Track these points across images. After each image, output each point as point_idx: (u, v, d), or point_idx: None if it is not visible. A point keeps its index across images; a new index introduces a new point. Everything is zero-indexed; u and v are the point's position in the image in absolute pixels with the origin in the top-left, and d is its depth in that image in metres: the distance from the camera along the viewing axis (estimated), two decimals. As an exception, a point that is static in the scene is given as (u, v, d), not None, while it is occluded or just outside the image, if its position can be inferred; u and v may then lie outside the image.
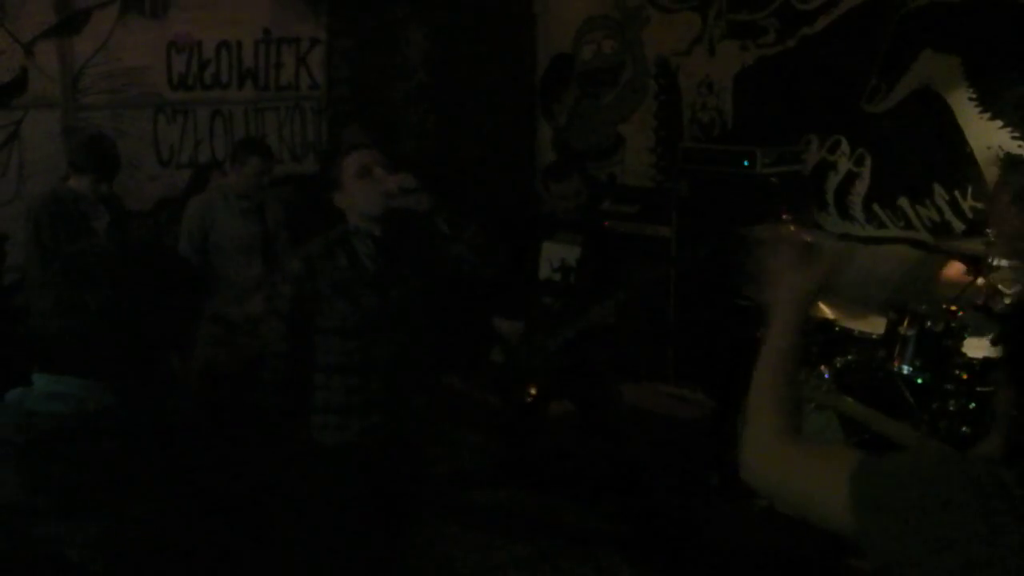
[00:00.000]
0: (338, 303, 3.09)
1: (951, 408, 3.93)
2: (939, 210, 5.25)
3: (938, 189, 5.24)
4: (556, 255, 4.69)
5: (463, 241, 3.19)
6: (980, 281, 4.02)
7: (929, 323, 4.04)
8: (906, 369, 4.07)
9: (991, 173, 5.00)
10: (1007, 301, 4.13)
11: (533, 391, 4.63)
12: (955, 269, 4.45)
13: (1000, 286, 4.12)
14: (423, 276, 3.23)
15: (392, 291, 3.15)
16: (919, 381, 4.06)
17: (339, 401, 3.12)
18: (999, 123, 5.00)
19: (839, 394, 2.85)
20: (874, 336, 4.40)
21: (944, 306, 4.12)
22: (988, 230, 4.09)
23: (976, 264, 4.22)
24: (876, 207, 5.52)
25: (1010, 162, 4.90)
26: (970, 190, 5.12)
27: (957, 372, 3.95)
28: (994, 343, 2.67)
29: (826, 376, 2.92)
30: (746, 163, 5.48)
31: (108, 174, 4.77)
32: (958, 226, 5.18)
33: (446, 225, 3.17)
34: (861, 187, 5.57)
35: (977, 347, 3.96)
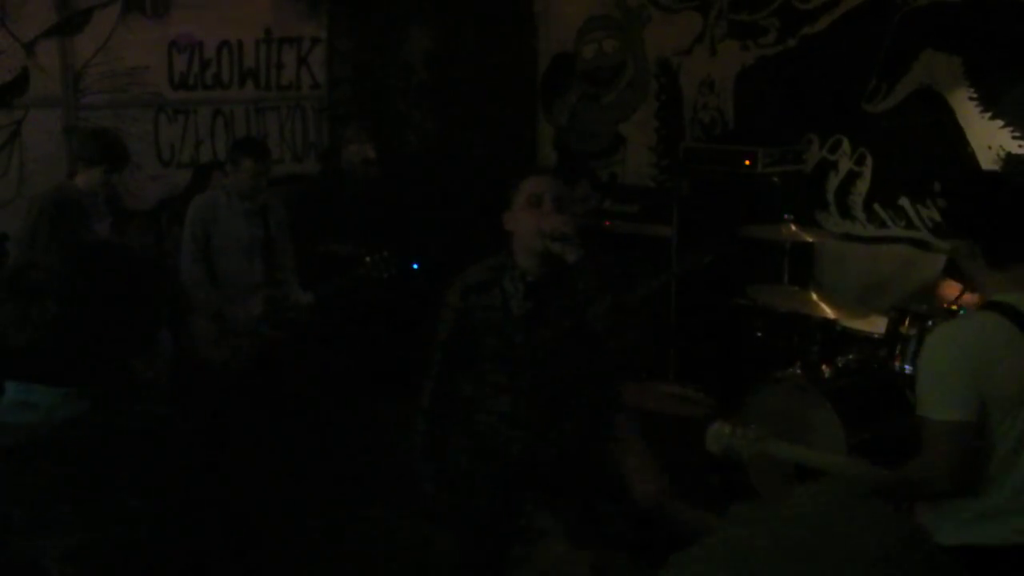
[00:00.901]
0: (487, 338, 3.05)
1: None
2: (940, 210, 5.25)
3: (939, 189, 5.24)
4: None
5: (596, 310, 3.03)
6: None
7: (930, 323, 4.05)
8: (908, 368, 4.07)
9: (992, 173, 5.00)
10: None
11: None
12: (952, 288, 4.47)
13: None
14: (566, 324, 3.12)
15: (538, 333, 3.06)
16: (920, 381, 4.06)
17: (486, 420, 3.09)
18: (1000, 123, 5.00)
19: (768, 439, 2.78)
20: (875, 336, 4.40)
21: (945, 306, 4.13)
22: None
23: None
24: (877, 207, 5.52)
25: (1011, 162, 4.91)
26: (971, 190, 5.11)
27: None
28: None
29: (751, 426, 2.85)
30: (747, 163, 5.48)
31: (118, 164, 4.78)
32: (959, 226, 5.17)
33: (583, 285, 3.04)
34: (862, 187, 5.57)
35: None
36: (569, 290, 3.06)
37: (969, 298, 4.24)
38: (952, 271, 4.83)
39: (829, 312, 4.24)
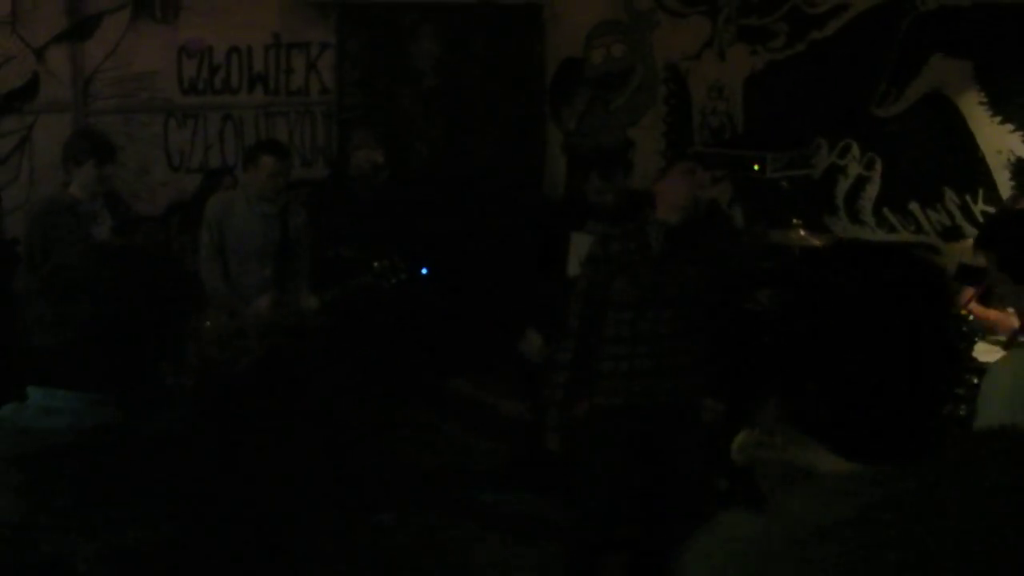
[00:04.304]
0: (618, 280, 3.69)
1: (962, 413, 3.91)
2: (950, 214, 5.24)
3: (949, 193, 5.23)
4: (585, 246, 4.55)
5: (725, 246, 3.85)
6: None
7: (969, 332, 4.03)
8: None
9: (1002, 177, 4.98)
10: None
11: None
12: (967, 296, 4.45)
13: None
14: (699, 264, 3.76)
15: (670, 272, 3.67)
16: (930, 386, 4.04)
17: (609, 368, 3.68)
18: (1010, 127, 4.98)
19: (791, 446, 2.79)
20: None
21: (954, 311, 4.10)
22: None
23: (984, 284, 4.25)
24: (887, 211, 5.51)
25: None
26: (981, 194, 5.10)
27: (968, 377, 3.93)
28: None
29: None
30: (756, 167, 5.47)
31: (106, 157, 4.68)
32: (969, 230, 5.15)
33: (715, 230, 3.89)
34: (871, 191, 5.56)
35: (988, 352, 3.95)
36: (703, 234, 3.73)
37: (978, 306, 4.22)
38: (962, 277, 4.81)
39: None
